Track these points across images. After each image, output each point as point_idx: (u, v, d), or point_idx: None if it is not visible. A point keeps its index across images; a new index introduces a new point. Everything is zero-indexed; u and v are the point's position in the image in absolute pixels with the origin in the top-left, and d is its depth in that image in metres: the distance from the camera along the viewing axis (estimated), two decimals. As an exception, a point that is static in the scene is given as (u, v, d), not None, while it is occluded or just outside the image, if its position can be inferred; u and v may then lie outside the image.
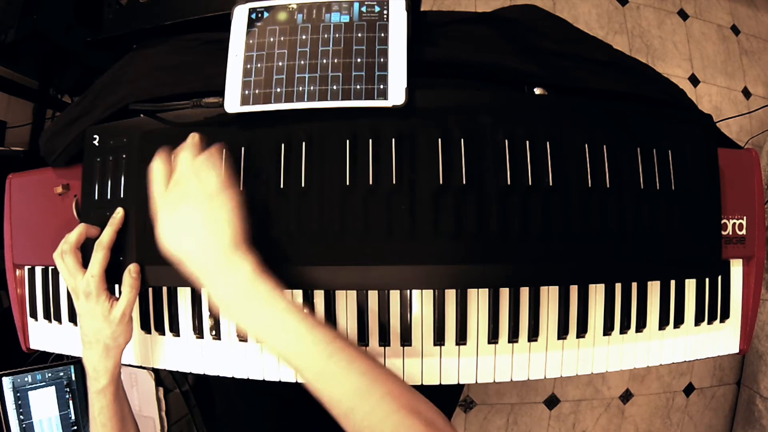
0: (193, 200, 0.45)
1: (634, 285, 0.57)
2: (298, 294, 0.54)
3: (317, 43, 0.51)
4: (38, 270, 0.65)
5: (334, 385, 0.39)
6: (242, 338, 0.56)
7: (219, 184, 0.46)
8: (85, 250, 0.55)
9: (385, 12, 0.51)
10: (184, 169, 0.46)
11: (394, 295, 0.53)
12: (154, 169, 0.47)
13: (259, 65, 0.51)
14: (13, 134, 1.14)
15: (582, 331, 0.55)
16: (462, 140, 0.50)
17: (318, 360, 0.40)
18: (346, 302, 0.54)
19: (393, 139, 0.50)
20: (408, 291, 0.53)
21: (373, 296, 0.54)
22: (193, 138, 0.49)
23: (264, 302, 0.42)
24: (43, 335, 0.66)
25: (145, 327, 0.59)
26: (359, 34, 0.51)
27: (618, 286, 0.56)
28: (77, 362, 0.84)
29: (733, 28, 1.74)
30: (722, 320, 0.60)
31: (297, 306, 0.43)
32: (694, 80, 1.68)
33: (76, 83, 1.12)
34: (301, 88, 0.50)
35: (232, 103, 0.51)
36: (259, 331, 0.43)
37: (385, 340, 0.53)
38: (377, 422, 0.37)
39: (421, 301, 0.54)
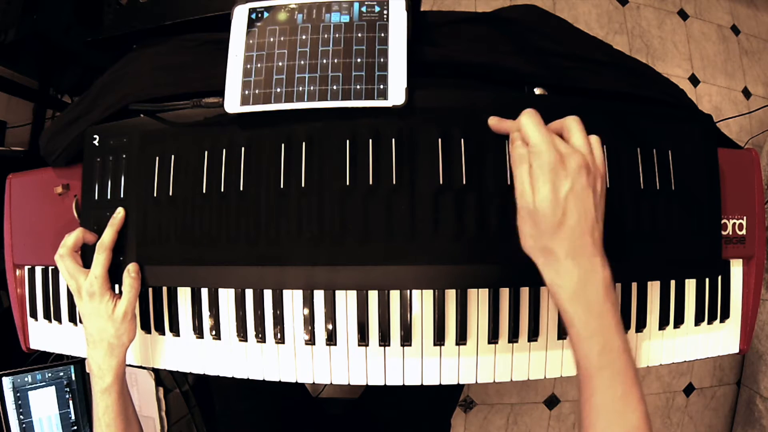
0: (591, 174, 0.42)
1: (634, 285, 0.56)
2: (299, 294, 0.54)
3: (317, 43, 0.51)
4: (38, 270, 0.66)
5: (616, 417, 0.40)
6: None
7: (605, 170, 0.44)
8: (84, 251, 0.55)
9: (385, 12, 0.51)
10: (581, 141, 0.43)
11: (395, 295, 0.53)
12: (536, 123, 0.43)
13: (259, 65, 0.51)
14: (13, 134, 1.14)
15: (582, 331, 0.55)
16: (462, 140, 0.50)
17: (617, 387, 0.40)
18: (346, 302, 0.54)
19: (393, 139, 0.50)
20: (408, 291, 0.53)
21: (373, 296, 0.54)
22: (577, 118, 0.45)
23: (614, 307, 0.41)
24: (43, 335, 0.66)
25: (145, 327, 0.59)
26: (359, 34, 0.51)
27: (618, 287, 0.56)
28: (77, 362, 0.84)
29: (733, 28, 1.74)
30: (722, 320, 0.60)
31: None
32: (694, 80, 1.67)
33: (76, 83, 1.12)
34: (301, 88, 0.50)
35: (232, 103, 0.51)
36: (596, 334, 0.40)
37: (385, 340, 0.53)
38: None
39: (421, 301, 0.54)
